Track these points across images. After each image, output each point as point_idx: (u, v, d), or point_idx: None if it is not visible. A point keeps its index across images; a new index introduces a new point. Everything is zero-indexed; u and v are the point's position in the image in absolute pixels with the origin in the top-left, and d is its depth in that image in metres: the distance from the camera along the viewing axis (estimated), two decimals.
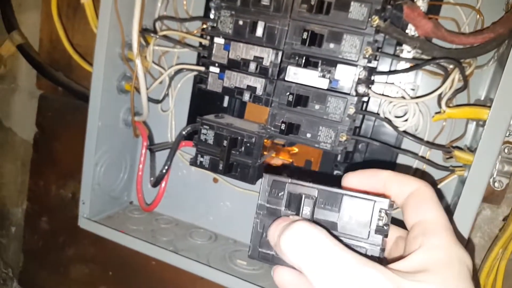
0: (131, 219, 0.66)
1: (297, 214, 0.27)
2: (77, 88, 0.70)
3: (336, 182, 0.30)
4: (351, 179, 0.30)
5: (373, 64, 0.49)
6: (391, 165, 0.56)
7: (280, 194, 0.28)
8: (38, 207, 0.82)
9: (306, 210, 0.27)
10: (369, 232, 0.26)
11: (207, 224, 0.67)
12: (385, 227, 0.26)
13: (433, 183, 0.53)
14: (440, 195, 0.53)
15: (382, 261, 0.26)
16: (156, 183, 0.59)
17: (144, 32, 0.56)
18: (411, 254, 0.25)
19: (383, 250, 0.27)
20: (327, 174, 0.58)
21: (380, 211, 0.26)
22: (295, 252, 0.24)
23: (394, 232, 0.30)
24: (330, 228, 0.26)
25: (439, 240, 0.25)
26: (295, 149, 0.59)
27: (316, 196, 0.27)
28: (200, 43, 0.58)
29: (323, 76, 0.47)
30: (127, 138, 0.65)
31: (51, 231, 0.82)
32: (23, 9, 0.76)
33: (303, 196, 0.27)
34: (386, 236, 0.27)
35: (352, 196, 0.27)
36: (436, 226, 0.26)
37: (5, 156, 0.86)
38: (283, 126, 0.49)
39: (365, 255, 0.24)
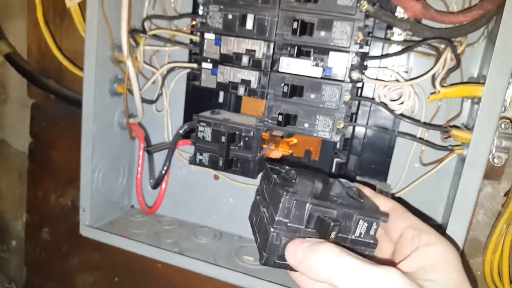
0: (134, 223, 0.65)
1: (317, 231, 0.31)
2: (70, 94, 0.70)
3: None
4: None
5: (365, 49, 0.49)
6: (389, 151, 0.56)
7: (300, 213, 0.31)
8: (38, 218, 0.82)
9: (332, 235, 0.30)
10: (372, 242, 0.32)
11: (210, 222, 0.67)
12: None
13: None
14: (441, 174, 0.53)
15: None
16: (156, 184, 0.59)
17: (133, 32, 0.55)
18: (412, 255, 0.31)
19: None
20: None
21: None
22: (324, 271, 0.28)
23: None
24: (341, 241, 0.32)
25: (432, 237, 0.31)
26: (294, 140, 0.59)
27: (336, 219, 0.31)
28: (191, 40, 0.58)
29: (316, 65, 0.47)
30: (123, 141, 0.65)
31: (53, 241, 0.81)
32: (8, 18, 0.75)
33: (331, 224, 0.30)
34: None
35: (364, 217, 0.32)
36: (423, 226, 0.33)
37: (1, 169, 0.85)
38: (280, 118, 0.49)
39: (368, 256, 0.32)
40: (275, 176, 0.35)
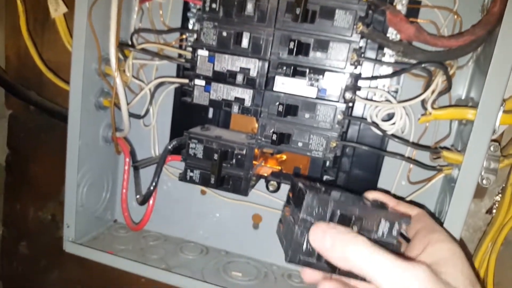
0: (118, 238, 0.64)
1: None
2: (51, 107, 0.67)
3: None
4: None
5: (358, 69, 0.49)
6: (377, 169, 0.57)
7: (323, 211, 0.31)
8: (16, 232, 0.78)
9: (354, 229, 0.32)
10: (394, 243, 0.33)
11: (197, 237, 0.66)
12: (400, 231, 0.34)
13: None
14: (427, 192, 0.55)
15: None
16: (143, 201, 0.57)
17: (122, 46, 0.54)
18: (426, 249, 0.35)
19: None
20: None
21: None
22: (360, 262, 0.29)
23: None
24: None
25: (442, 235, 0.36)
26: (284, 156, 0.59)
27: (359, 216, 0.32)
28: (179, 54, 0.56)
29: (311, 85, 0.47)
30: (108, 155, 0.63)
31: (32, 256, 0.78)
32: None
33: (353, 219, 0.32)
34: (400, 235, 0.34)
35: (386, 217, 0.33)
36: (435, 226, 0.38)
37: None
38: (274, 137, 0.48)
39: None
40: (300, 184, 0.35)
